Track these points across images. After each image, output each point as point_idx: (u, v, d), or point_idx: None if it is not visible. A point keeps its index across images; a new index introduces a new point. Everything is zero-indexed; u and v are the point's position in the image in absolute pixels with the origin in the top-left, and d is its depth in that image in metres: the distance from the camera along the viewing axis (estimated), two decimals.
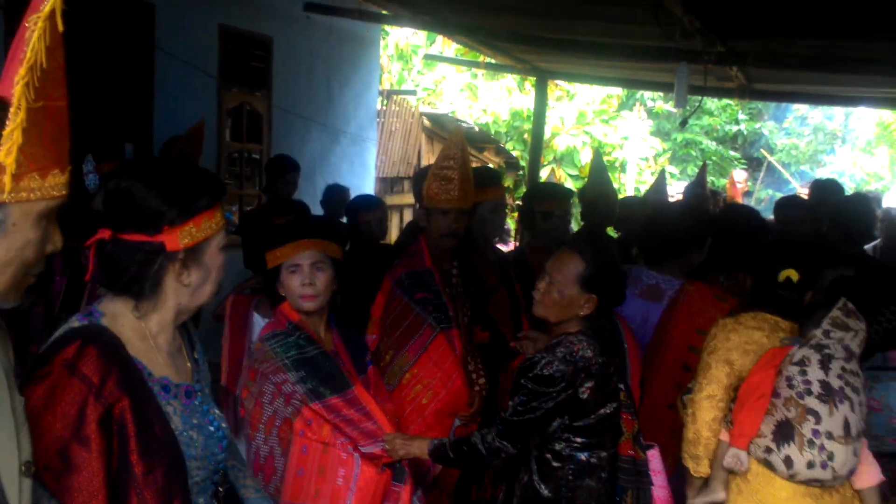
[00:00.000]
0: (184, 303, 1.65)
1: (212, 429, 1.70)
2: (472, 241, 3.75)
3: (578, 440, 2.53)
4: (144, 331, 1.61)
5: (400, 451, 2.60)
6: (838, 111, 19.46)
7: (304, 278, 2.58)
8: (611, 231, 4.69)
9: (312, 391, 2.52)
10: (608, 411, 2.56)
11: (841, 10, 4.07)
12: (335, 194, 5.51)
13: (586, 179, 5.49)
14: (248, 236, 3.81)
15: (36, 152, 1.24)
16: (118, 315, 1.59)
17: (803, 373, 2.48)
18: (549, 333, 2.68)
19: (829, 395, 2.45)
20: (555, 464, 2.54)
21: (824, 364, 2.47)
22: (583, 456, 2.53)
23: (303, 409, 2.52)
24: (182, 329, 1.75)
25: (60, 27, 1.23)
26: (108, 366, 1.49)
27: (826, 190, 5.48)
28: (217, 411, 1.76)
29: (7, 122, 1.21)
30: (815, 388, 2.46)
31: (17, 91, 1.20)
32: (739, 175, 9.67)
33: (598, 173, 4.67)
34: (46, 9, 1.22)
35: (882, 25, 4.30)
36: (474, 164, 4.20)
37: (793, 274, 2.63)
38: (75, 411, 1.45)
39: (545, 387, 2.47)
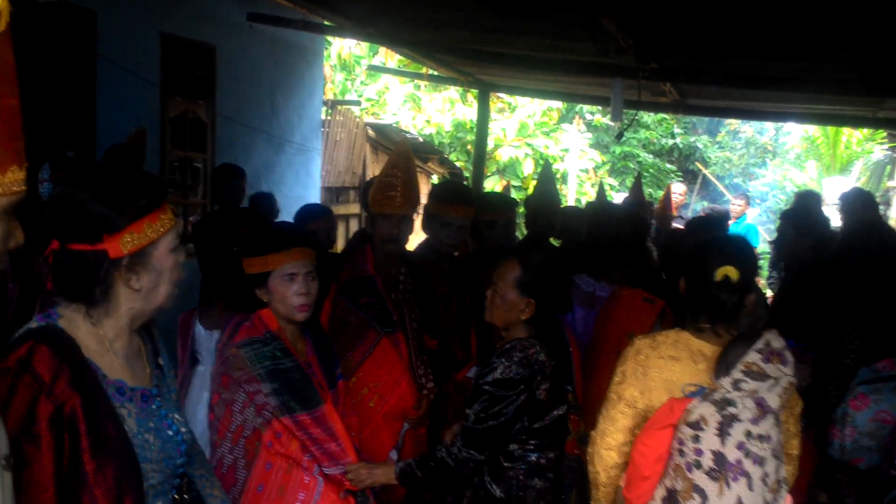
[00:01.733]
0: (137, 307, 1.67)
1: (170, 433, 1.72)
2: (430, 250, 3.83)
3: (533, 442, 2.61)
4: (100, 335, 1.63)
5: (366, 480, 2.59)
6: (770, 126, 20.22)
7: (301, 287, 2.55)
8: (553, 240, 4.78)
9: (283, 405, 2.49)
10: (561, 412, 2.66)
11: (765, 33, 4.30)
12: (262, 202, 5.48)
13: (529, 190, 5.57)
14: (202, 244, 3.83)
15: None
16: (74, 318, 1.62)
17: (696, 439, 2.10)
18: (498, 341, 2.76)
19: (721, 469, 2.07)
20: (506, 464, 2.61)
21: (723, 429, 2.07)
22: (533, 457, 2.62)
23: (273, 421, 2.50)
24: (146, 335, 1.77)
25: (3, 26, 1.24)
26: (59, 365, 1.52)
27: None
28: (178, 416, 1.78)
29: None
30: (707, 460, 2.08)
31: None
32: (678, 188, 9.84)
33: (546, 183, 4.72)
34: None
35: (803, 48, 4.55)
36: (429, 177, 4.25)
37: (731, 272, 2.19)
38: (26, 408, 1.48)
39: (506, 390, 2.54)
